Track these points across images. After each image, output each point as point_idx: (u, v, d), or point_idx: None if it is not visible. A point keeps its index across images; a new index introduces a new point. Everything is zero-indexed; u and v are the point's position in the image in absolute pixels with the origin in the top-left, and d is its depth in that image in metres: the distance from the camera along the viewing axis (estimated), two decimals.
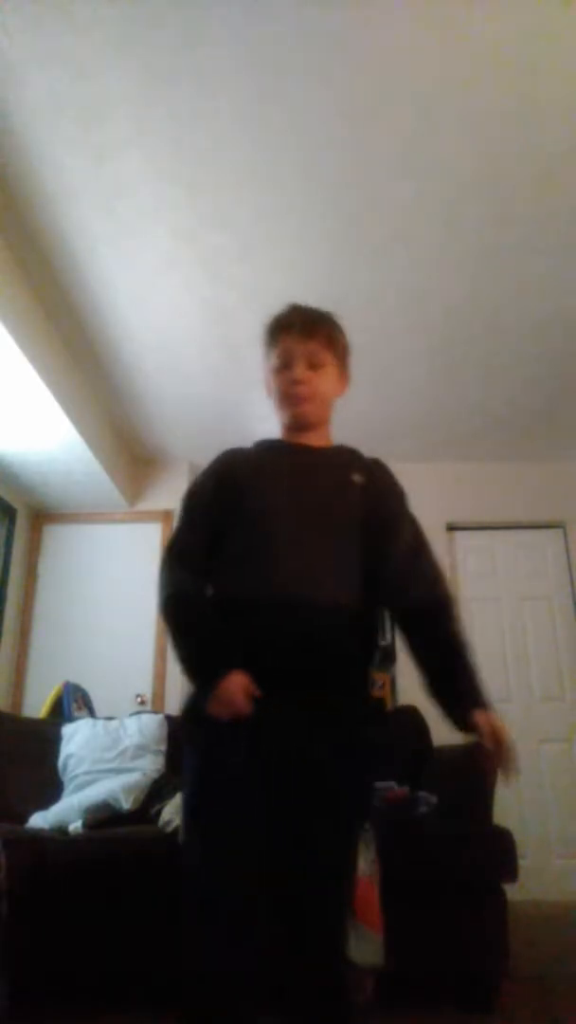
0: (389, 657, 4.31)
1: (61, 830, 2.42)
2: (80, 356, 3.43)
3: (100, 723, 2.96)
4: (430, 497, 4.57)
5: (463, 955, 2.10)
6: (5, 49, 2.01)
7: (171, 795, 2.41)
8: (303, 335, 1.39)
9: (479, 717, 1.23)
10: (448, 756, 2.56)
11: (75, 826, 2.39)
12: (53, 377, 3.16)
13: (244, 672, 1.19)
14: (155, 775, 2.70)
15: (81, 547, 4.38)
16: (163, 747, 2.87)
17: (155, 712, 3.28)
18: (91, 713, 3.45)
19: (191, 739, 1.28)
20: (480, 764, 1.21)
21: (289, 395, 1.39)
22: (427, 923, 2.09)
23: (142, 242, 2.73)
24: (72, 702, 3.39)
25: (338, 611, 1.26)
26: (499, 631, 4.34)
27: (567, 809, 3.97)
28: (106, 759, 2.77)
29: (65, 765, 2.83)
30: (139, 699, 4.00)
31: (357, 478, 1.38)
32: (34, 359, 2.94)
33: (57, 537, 4.41)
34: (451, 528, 4.47)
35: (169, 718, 3.00)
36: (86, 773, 2.73)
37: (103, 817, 2.42)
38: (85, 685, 3.57)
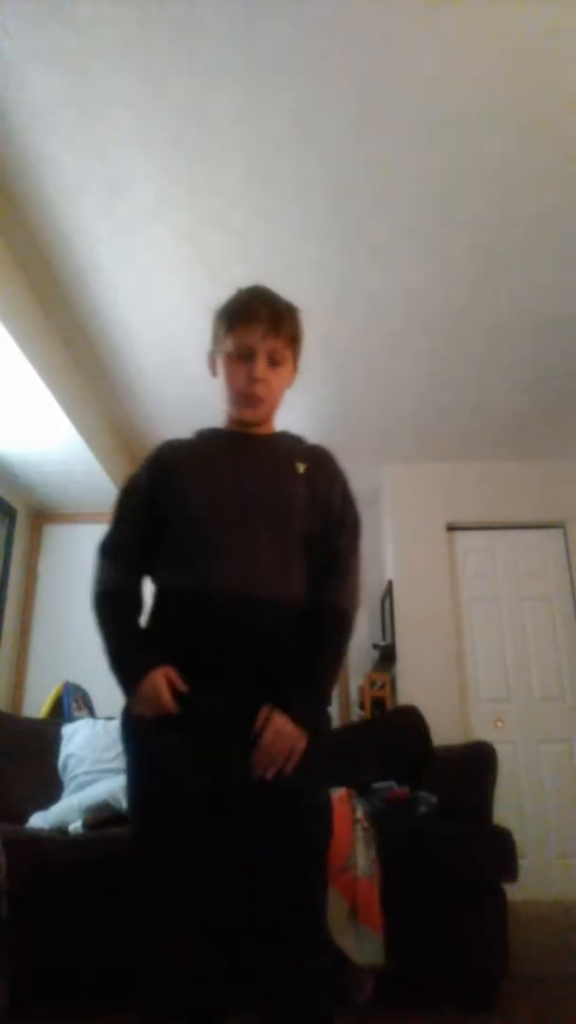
0: (389, 657, 4.31)
1: (61, 830, 2.42)
2: (80, 356, 3.44)
3: (100, 723, 2.96)
4: (430, 497, 4.64)
5: (463, 955, 2.10)
6: (5, 49, 2.01)
7: None
8: (269, 331, 1.34)
9: (264, 711, 1.19)
10: (448, 756, 2.57)
11: (75, 826, 2.39)
12: (53, 377, 3.17)
13: (172, 668, 1.19)
14: None
15: (81, 547, 4.37)
16: None
17: None
18: (91, 713, 3.45)
19: (124, 738, 1.28)
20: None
21: (246, 394, 1.36)
22: (427, 923, 2.09)
23: (142, 242, 2.74)
24: (72, 702, 3.39)
25: (278, 604, 1.24)
26: (499, 631, 4.34)
27: (567, 809, 3.97)
28: (106, 759, 2.76)
29: (65, 765, 2.82)
30: None
31: (300, 466, 1.36)
32: (34, 359, 2.94)
33: (57, 537, 4.42)
34: (451, 528, 4.44)
35: None
36: (86, 773, 2.73)
37: (103, 817, 2.42)
38: (85, 685, 3.57)
